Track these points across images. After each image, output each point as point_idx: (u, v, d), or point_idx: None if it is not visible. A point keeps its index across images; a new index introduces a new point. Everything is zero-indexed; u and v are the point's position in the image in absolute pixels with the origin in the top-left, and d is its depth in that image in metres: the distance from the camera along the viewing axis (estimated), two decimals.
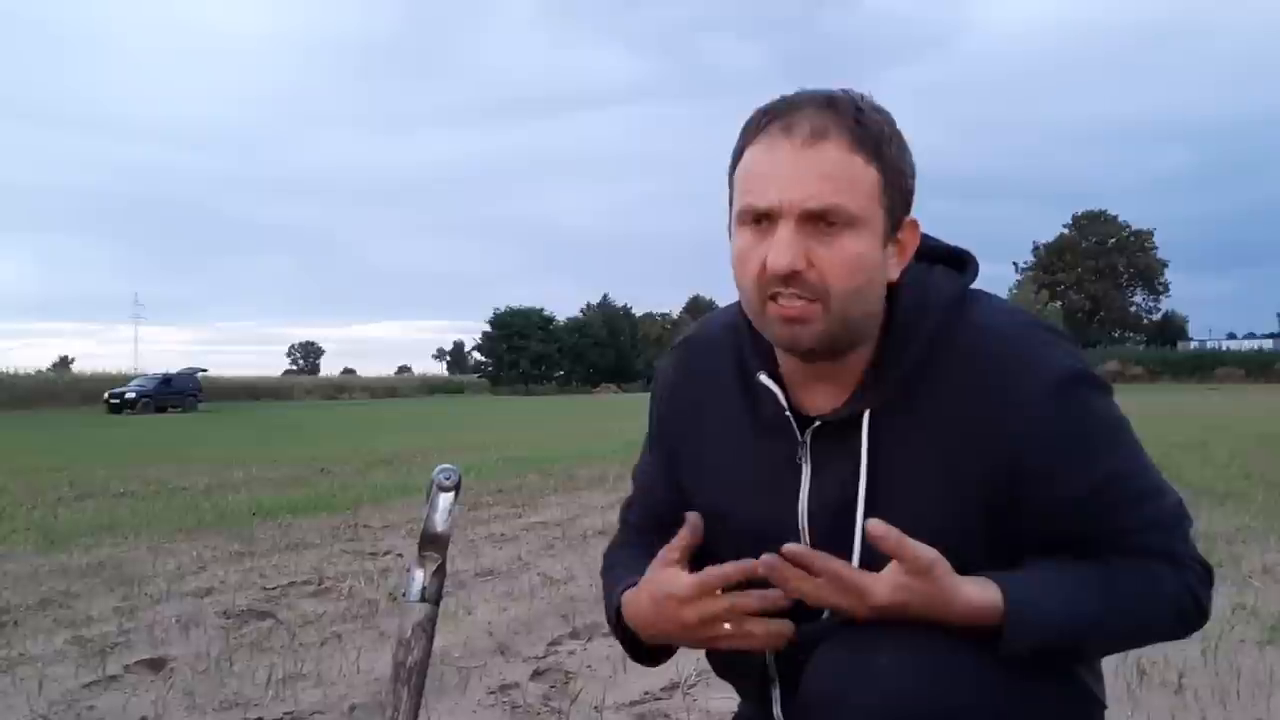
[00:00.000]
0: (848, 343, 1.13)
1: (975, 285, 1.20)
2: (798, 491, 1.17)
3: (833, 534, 1.14)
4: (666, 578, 1.15)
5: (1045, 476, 1.09)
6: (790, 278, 1.06)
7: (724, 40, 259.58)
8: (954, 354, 1.11)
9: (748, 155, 1.10)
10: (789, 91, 1.12)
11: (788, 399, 1.18)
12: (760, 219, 1.08)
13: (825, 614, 1.12)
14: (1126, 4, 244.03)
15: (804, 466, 1.17)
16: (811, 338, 1.09)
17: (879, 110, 1.10)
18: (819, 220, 1.05)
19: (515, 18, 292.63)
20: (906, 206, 1.12)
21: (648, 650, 1.26)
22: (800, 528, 1.17)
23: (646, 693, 2.83)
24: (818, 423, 1.15)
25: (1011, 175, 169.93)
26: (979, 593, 1.05)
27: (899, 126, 1.12)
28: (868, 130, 1.07)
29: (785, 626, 1.11)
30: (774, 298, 1.08)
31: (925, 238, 1.22)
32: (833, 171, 1.05)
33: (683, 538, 1.17)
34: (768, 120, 1.09)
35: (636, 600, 1.19)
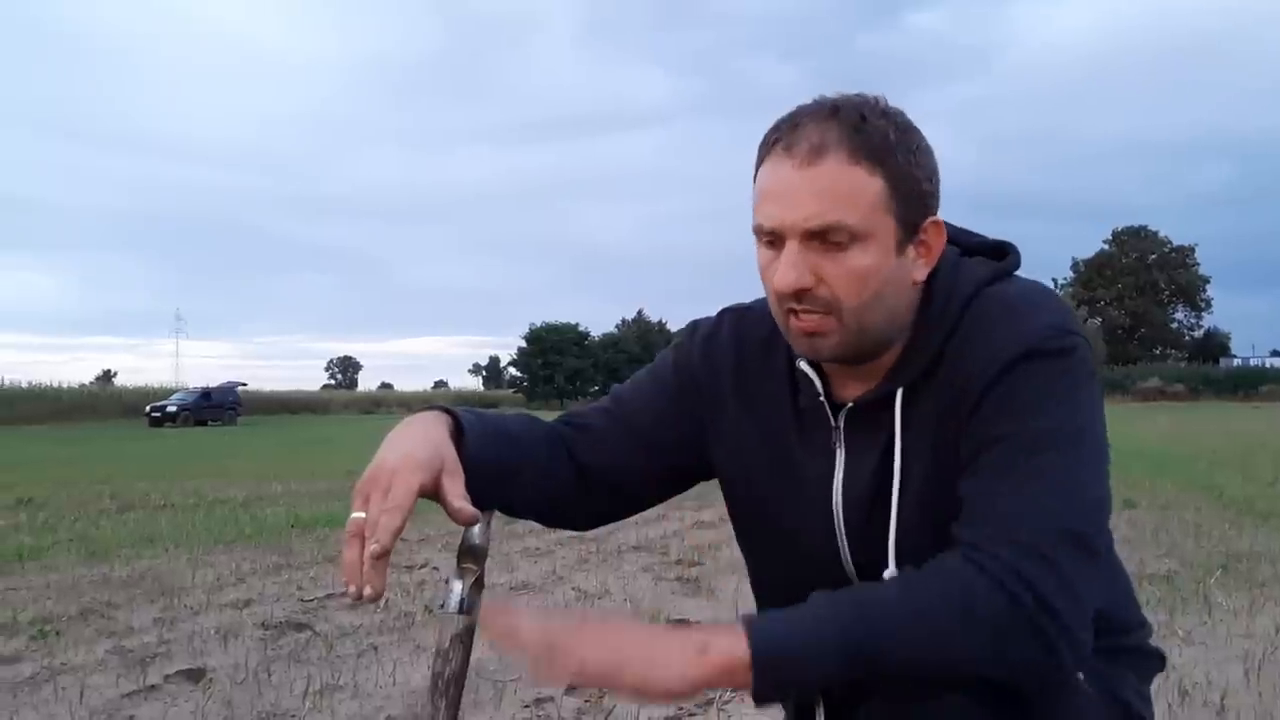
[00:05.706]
0: (873, 347, 1.13)
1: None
2: (832, 477, 1.18)
3: (867, 518, 1.14)
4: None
5: (965, 436, 1.07)
6: (801, 294, 1.07)
7: (763, 60, 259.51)
8: (969, 328, 1.10)
9: (759, 174, 1.11)
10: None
11: (826, 388, 1.18)
12: (771, 237, 1.09)
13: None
14: (1167, 19, 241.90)
15: (838, 452, 1.18)
16: (830, 349, 1.11)
17: (887, 115, 1.08)
18: (823, 237, 1.06)
19: (556, 38, 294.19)
20: (924, 210, 1.10)
21: None
22: (835, 512, 1.17)
23: (681, 708, 2.82)
24: (850, 405, 1.16)
25: (1051, 191, 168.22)
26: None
27: (917, 130, 1.10)
28: (870, 140, 1.06)
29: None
30: (792, 312, 1.09)
31: (968, 233, 1.22)
32: (832, 188, 1.05)
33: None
34: (773, 139, 1.10)
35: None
